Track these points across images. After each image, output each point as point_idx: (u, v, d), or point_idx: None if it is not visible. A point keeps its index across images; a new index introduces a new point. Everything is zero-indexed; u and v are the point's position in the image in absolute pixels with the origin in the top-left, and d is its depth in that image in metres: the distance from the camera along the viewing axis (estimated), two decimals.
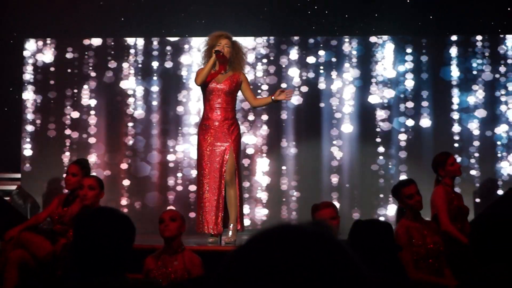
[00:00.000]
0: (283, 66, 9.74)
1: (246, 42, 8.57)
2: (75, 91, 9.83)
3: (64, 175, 7.03)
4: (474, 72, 9.61)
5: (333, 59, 9.73)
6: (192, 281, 4.39)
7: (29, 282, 5.80)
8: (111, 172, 9.71)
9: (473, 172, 9.41)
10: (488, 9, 9.34)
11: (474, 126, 9.53)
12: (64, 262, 5.99)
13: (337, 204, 8.88)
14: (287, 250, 1.06)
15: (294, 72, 9.69)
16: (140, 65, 9.86)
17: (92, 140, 9.79)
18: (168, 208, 9.06)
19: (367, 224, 4.51)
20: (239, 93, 7.37)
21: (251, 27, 9.54)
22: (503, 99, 9.56)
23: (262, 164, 9.68)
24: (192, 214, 9.03)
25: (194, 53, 9.74)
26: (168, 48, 9.84)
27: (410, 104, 9.63)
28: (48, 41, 9.88)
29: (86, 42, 9.86)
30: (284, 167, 9.65)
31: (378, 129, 9.62)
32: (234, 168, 7.11)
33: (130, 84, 9.82)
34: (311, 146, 9.67)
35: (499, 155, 9.49)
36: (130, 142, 9.75)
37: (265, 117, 9.70)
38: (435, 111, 9.60)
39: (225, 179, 7.08)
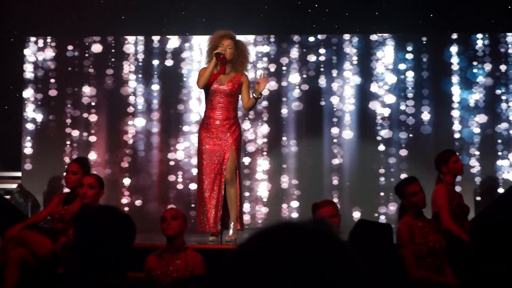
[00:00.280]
0: (284, 64, 9.74)
1: (246, 40, 8.57)
2: (76, 89, 9.84)
3: (65, 174, 7.03)
4: (475, 70, 9.60)
5: (334, 58, 9.73)
6: (193, 279, 4.39)
7: (29, 281, 5.80)
8: (111, 171, 9.71)
9: (473, 171, 9.41)
10: (488, 7, 9.34)
11: (474, 125, 9.54)
12: (64, 261, 5.98)
13: (338, 203, 8.88)
14: (288, 248, 1.06)
15: (294, 70, 9.68)
16: (140, 64, 9.86)
17: (92, 138, 9.80)
18: (169, 206, 9.07)
19: (368, 225, 4.52)
20: None
21: (251, 25, 9.53)
22: (503, 97, 9.56)
23: (263, 163, 9.68)
24: (193, 213, 9.04)
25: (195, 52, 9.77)
26: (169, 46, 9.83)
27: (410, 102, 9.62)
28: (49, 40, 9.88)
29: (86, 40, 9.86)
30: (284, 166, 9.65)
31: (378, 128, 9.62)
32: (234, 167, 7.11)
33: (130, 82, 9.83)
34: (311, 144, 9.68)
35: (499, 153, 9.49)
36: (131, 141, 9.75)
37: (265, 115, 9.71)
38: (436, 109, 9.60)
39: (225, 178, 7.08)
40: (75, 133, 9.79)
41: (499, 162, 9.48)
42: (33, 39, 9.88)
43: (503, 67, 9.58)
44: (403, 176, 9.23)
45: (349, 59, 9.72)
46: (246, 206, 9.34)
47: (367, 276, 1.09)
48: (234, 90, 7.20)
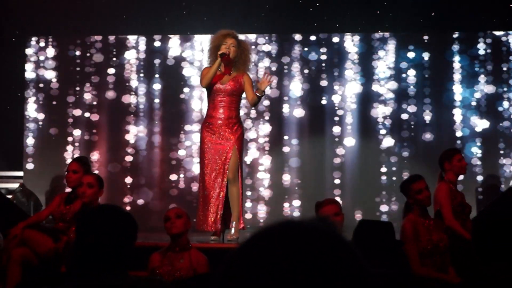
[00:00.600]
0: (285, 63, 9.75)
1: (248, 39, 8.59)
2: (77, 89, 9.86)
3: (66, 173, 7.04)
4: (477, 69, 9.61)
5: (335, 56, 9.75)
6: (195, 278, 4.39)
7: (31, 280, 5.81)
8: (113, 170, 9.73)
9: (475, 169, 9.41)
10: (490, 5, 9.34)
11: (476, 123, 9.54)
12: (67, 260, 5.99)
13: (340, 202, 8.88)
14: (289, 247, 1.06)
15: (296, 69, 9.69)
16: (142, 63, 9.88)
17: (94, 138, 9.82)
18: (171, 206, 9.08)
19: (369, 224, 4.55)
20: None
21: (253, 24, 9.55)
22: (505, 95, 9.58)
23: (265, 162, 9.70)
24: (194, 212, 9.01)
25: (197, 51, 9.78)
26: (170, 45, 9.85)
27: (412, 101, 9.64)
28: (50, 39, 9.91)
29: (88, 40, 9.88)
30: (286, 164, 9.67)
31: (380, 126, 9.63)
32: (237, 166, 7.11)
33: (132, 81, 9.85)
34: (313, 143, 9.69)
35: (501, 152, 9.50)
36: (132, 140, 9.77)
37: (267, 114, 9.72)
38: (438, 107, 9.60)
39: (227, 177, 7.08)
40: (77, 132, 9.81)
41: (501, 161, 9.49)
42: (34, 38, 9.91)
43: (504, 66, 9.60)
44: (405, 174, 9.27)
45: (351, 58, 9.73)
46: (248, 205, 9.36)
47: (369, 275, 1.08)
48: (236, 89, 7.19)
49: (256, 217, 9.49)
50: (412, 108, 9.63)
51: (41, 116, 9.85)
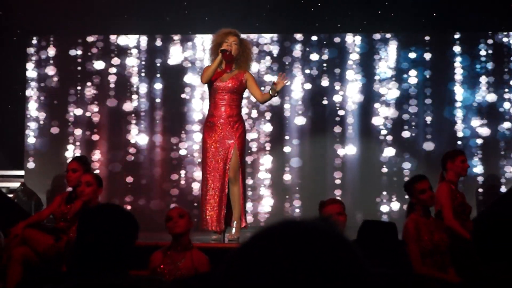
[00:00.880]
0: (286, 63, 9.77)
1: (249, 39, 8.58)
2: (78, 88, 9.87)
3: (66, 173, 7.05)
4: (478, 70, 9.62)
5: (336, 56, 9.76)
6: (196, 278, 4.38)
7: (32, 279, 5.81)
8: (114, 169, 9.74)
9: (476, 170, 9.42)
10: (491, 6, 9.34)
11: (477, 124, 9.55)
12: (67, 259, 6.02)
13: None
14: (290, 246, 1.06)
15: (297, 69, 9.70)
16: (143, 63, 9.89)
17: (95, 137, 9.83)
18: (172, 205, 9.08)
19: (372, 224, 4.57)
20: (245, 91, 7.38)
21: (254, 24, 9.57)
22: (506, 96, 9.59)
23: (266, 161, 9.71)
24: (196, 211, 9.05)
25: (198, 50, 9.80)
26: (171, 45, 9.86)
27: (413, 101, 9.65)
28: (51, 38, 9.93)
29: (89, 39, 9.90)
30: (287, 164, 9.69)
31: (381, 127, 9.65)
32: (238, 166, 7.12)
33: (133, 81, 9.86)
34: (314, 143, 9.70)
35: (502, 152, 9.51)
36: (133, 140, 9.79)
37: (268, 114, 9.74)
38: (438, 108, 9.61)
39: (228, 176, 7.09)
40: (78, 131, 9.82)
41: (502, 161, 9.50)
42: (36, 38, 9.92)
43: (506, 66, 9.61)
44: (406, 175, 9.30)
45: (352, 58, 9.75)
46: (249, 205, 9.36)
47: (370, 275, 1.08)
48: (237, 87, 7.19)
49: (257, 216, 9.50)
50: (413, 109, 9.64)
51: (42, 115, 9.86)
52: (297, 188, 9.64)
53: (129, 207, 9.29)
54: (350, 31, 9.77)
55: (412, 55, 9.70)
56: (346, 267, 1.06)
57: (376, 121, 9.66)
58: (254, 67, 9.45)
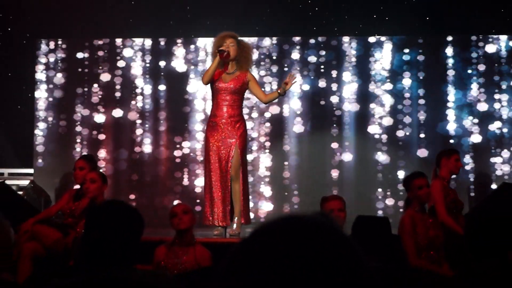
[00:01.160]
0: (285, 65, 9.86)
1: (249, 41, 8.70)
2: (85, 89, 9.98)
3: (73, 171, 7.19)
4: (469, 71, 9.73)
5: (333, 59, 9.86)
6: (198, 272, 4.44)
7: (41, 273, 5.94)
8: (120, 167, 9.86)
9: (467, 167, 9.54)
10: (482, 10, 9.46)
11: (468, 123, 9.68)
12: (75, 254, 6.12)
13: None
14: (290, 242, 1.07)
15: (295, 71, 9.70)
16: (148, 65, 9.98)
17: (101, 136, 9.95)
18: (176, 202, 9.23)
19: (366, 219, 4.76)
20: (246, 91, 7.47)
21: (254, 27, 9.67)
22: (496, 96, 9.69)
23: (265, 160, 9.81)
24: (198, 208, 9.17)
25: (200, 53, 9.91)
26: (175, 47, 9.96)
27: (407, 102, 9.75)
28: (60, 42, 10.02)
29: (96, 42, 10.00)
30: (286, 163, 9.78)
31: (377, 126, 9.74)
32: (239, 164, 7.20)
33: (138, 82, 9.97)
34: (312, 142, 9.80)
35: (492, 151, 9.62)
36: (138, 139, 9.89)
37: (268, 114, 9.85)
38: (431, 108, 9.71)
39: (230, 174, 7.19)
40: (85, 131, 9.92)
41: (492, 159, 9.62)
42: (44, 41, 10.02)
43: (496, 68, 9.71)
44: (400, 173, 9.46)
45: (348, 60, 9.84)
46: (250, 202, 9.46)
47: (369, 269, 1.09)
48: (239, 88, 7.27)
49: (257, 214, 9.54)
50: (407, 109, 9.73)
51: (50, 115, 9.96)
52: (296, 185, 9.72)
53: (134, 204, 9.26)
54: (347, 34, 9.85)
55: (406, 57, 9.79)
56: (346, 262, 1.07)
57: (372, 120, 9.76)
58: (254, 70, 9.63)
